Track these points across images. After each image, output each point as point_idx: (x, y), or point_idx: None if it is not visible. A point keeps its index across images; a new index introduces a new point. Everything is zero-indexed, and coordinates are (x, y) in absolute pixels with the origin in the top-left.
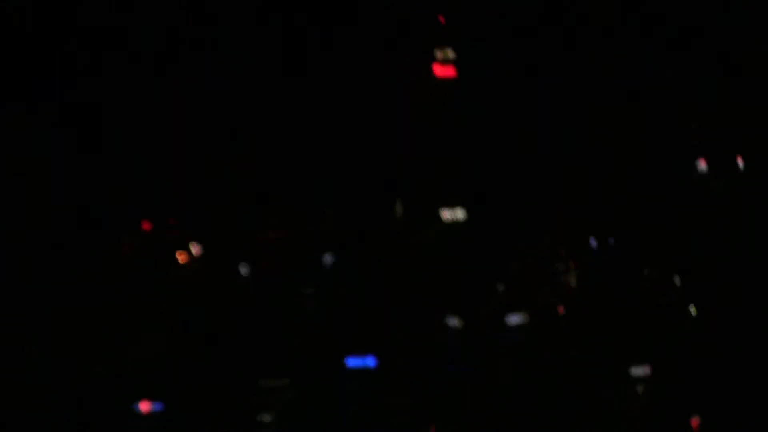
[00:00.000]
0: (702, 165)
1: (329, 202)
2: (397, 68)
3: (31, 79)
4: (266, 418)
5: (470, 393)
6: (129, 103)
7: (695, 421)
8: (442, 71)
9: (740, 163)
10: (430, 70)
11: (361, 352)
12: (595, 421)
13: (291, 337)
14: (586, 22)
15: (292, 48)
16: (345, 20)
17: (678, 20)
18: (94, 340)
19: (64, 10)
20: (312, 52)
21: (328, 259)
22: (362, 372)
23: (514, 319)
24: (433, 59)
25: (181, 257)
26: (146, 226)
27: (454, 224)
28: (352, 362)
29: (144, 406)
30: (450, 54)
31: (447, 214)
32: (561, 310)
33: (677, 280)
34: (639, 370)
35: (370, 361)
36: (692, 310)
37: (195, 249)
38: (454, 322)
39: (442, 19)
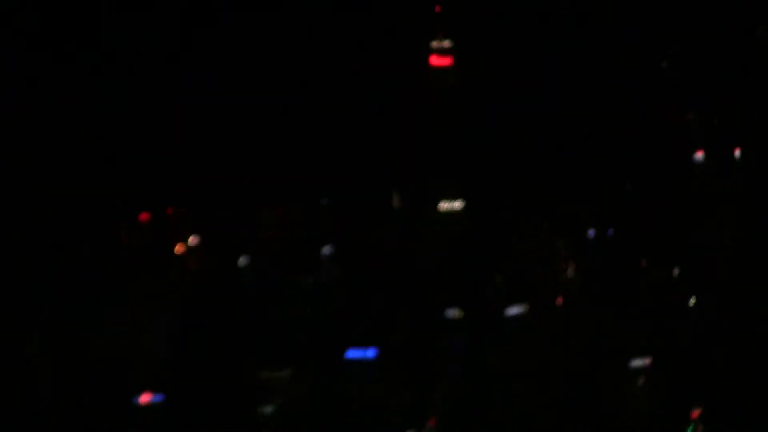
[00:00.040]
0: (700, 156)
1: (327, 194)
2: (394, 59)
3: (29, 66)
4: (267, 409)
5: (470, 384)
6: (130, 96)
7: (695, 412)
8: (439, 61)
9: (738, 154)
10: (426, 60)
11: (362, 344)
12: (595, 412)
13: (291, 329)
14: (584, 13)
15: (290, 40)
16: (342, 11)
17: (677, 11)
18: (94, 332)
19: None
20: (311, 45)
21: (327, 251)
22: (363, 363)
23: (514, 310)
24: (430, 49)
25: (179, 248)
26: (144, 217)
27: (453, 216)
28: (353, 354)
29: (144, 398)
30: (446, 44)
31: (445, 205)
32: (560, 301)
33: (676, 271)
34: (639, 362)
35: (370, 353)
36: (691, 301)
37: (193, 240)
38: (453, 313)
39: (438, 8)
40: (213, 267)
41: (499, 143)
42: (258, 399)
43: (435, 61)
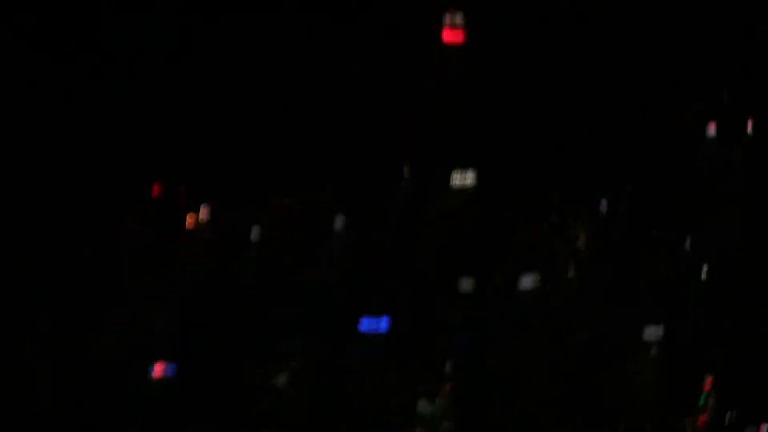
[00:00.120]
0: (712, 129)
1: (338, 169)
2: (406, 34)
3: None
4: (280, 381)
5: (482, 355)
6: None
7: (708, 382)
8: (451, 37)
9: (750, 126)
10: (439, 36)
11: (374, 314)
12: (608, 383)
13: (303, 301)
14: None
15: (300, 15)
16: None
17: None
18: (105, 307)
19: None
20: (321, 21)
21: (339, 223)
22: (376, 335)
23: (526, 282)
24: (442, 25)
25: (190, 221)
26: (156, 191)
27: (464, 189)
28: (366, 325)
29: (157, 370)
30: (458, 19)
31: (457, 178)
32: (572, 274)
33: (688, 242)
34: (651, 333)
35: (383, 325)
36: (703, 272)
37: (203, 213)
38: (466, 286)
39: None
40: (224, 239)
41: (510, 116)
42: (270, 371)
43: (447, 36)
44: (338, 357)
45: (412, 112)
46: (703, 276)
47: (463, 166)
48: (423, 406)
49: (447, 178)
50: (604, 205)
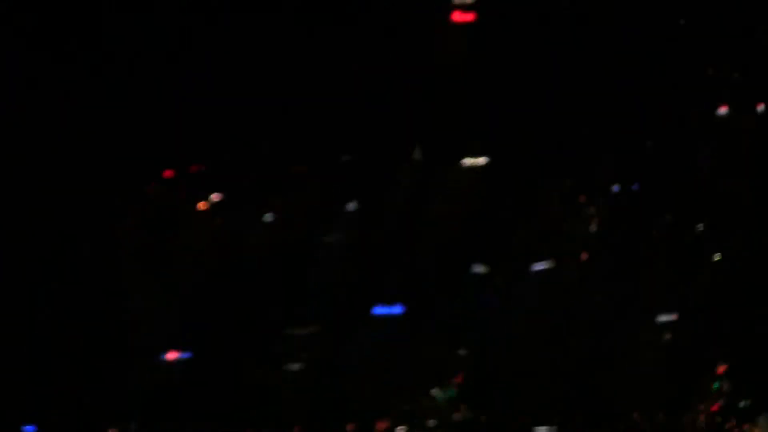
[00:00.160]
0: (723, 111)
1: (350, 149)
2: (416, 14)
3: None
4: (294, 366)
5: (496, 341)
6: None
7: (721, 367)
8: (461, 16)
9: (762, 108)
10: (449, 15)
11: (387, 301)
12: (621, 369)
13: (318, 285)
14: None
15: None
16: None
17: None
18: (120, 288)
19: None
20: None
21: (351, 207)
22: (390, 320)
23: (539, 266)
24: (452, 4)
25: (202, 205)
26: (169, 174)
27: (475, 171)
28: (380, 310)
29: (171, 354)
30: None
31: (469, 161)
32: (584, 257)
33: (700, 226)
34: (665, 317)
35: (397, 309)
36: (716, 255)
37: (215, 197)
38: (479, 269)
39: None
40: (237, 222)
41: (521, 97)
42: (284, 356)
43: (458, 16)
44: (349, 346)
45: (422, 95)
46: (716, 259)
47: (474, 150)
48: (435, 395)
49: (457, 162)
50: (616, 188)
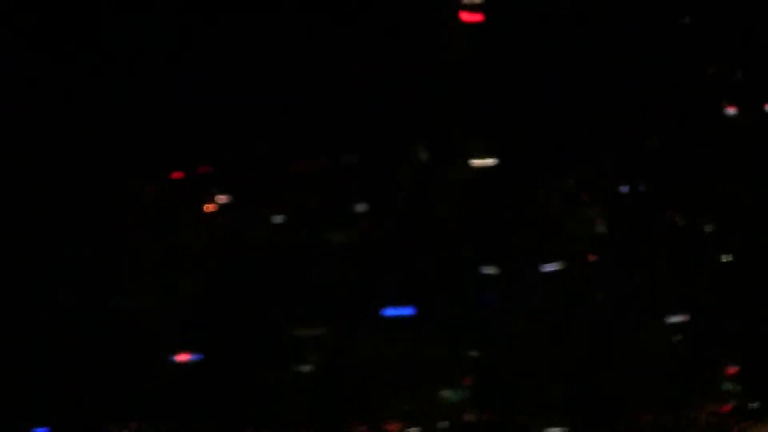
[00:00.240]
0: (730, 111)
1: (354, 148)
2: (423, 12)
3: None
4: (301, 368)
5: (502, 343)
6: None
7: (731, 369)
8: (469, 16)
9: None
10: (456, 15)
11: (397, 302)
12: (630, 370)
13: (325, 286)
14: None
15: None
16: None
17: None
18: (125, 288)
19: None
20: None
21: (359, 208)
22: (398, 321)
23: (548, 267)
24: (460, 4)
25: (210, 207)
26: (176, 175)
27: (480, 171)
28: (390, 312)
29: (182, 356)
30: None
31: (477, 162)
32: (591, 258)
33: (709, 227)
34: (674, 318)
35: (408, 311)
36: (726, 257)
37: (222, 198)
38: (487, 270)
39: None
40: (243, 223)
41: (527, 97)
42: (293, 356)
43: (466, 16)
44: (358, 345)
45: (424, 95)
46: (725, 261)
47: (477, 150)
48: (445, 396)
49: (460, 162)
50: (624, 188)
